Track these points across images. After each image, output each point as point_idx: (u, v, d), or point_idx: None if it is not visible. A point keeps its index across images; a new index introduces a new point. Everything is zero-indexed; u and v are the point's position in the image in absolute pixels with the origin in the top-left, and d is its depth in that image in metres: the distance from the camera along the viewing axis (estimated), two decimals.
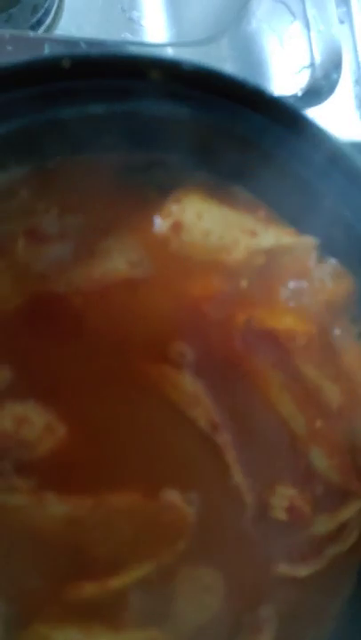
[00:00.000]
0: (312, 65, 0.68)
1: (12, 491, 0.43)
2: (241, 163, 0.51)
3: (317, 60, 0.68)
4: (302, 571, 0.48)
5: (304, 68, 0.68)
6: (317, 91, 0.70)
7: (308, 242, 0.54)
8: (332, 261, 0.55)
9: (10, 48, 0.61)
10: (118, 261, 0.50)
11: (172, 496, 0.46)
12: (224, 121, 0.49)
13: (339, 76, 0.71)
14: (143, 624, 0.43)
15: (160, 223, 0.52)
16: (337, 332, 0.53)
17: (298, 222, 0.54)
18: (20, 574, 0.42)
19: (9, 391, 0.44)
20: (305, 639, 0.49)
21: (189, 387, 0.49)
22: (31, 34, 0.68)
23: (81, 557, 0.43)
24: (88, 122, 0.48)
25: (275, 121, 0.48)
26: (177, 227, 0.52)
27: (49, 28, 0.76)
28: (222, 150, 0.51)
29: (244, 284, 0.53)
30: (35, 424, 0.44)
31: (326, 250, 0.55)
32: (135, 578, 0.43)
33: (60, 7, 0.74)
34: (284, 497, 0.48)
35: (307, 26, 0.68)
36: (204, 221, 0.52)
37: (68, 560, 0.43)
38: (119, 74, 0.47)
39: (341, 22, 0.70)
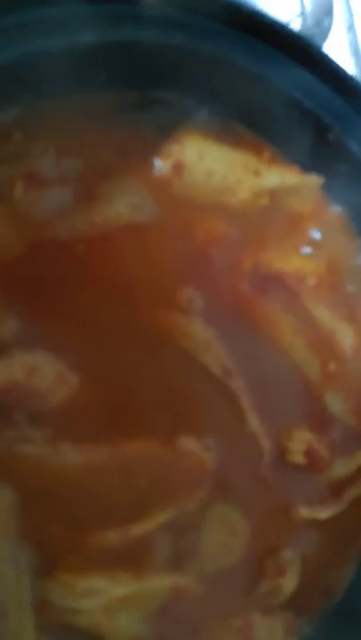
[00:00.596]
0: (303, 13, 0.75)
1: (27, 441, 0.48)
2: (243, 98, 0.55)
3: (308, 7, 0.75)
4: (322, 514, 0.55)
5: (295, 16, 0.75)
6: (310, 39, 0.77)
7: (313, 180, 0.61)
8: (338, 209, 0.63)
9: None
10: (120, 205, 0.56)
11: (189, 443, 0.50)
12: (223, 50, 0.52)
13: (331, 24, 0.78)
14: (167, 570, 0.51)
15: (161, 164, 0.55)
16: (349, 271, 0.62)
17: (303, 161, 0.58)
18: (42, 524, 0.49)
19: (17, 341, 0.50)
20: (327, 582, 0.58)
21: (200, 333, 0.53)
22: None
23: (101, 506, 0.47)
24: (80, 53, 0.50)
25: (277, 48, 0.52)
26: (178, 167, 0.57)
27: None
28: (223, 84, 0.54)
29: (249, 226, 0.56)
30: (46, 374, 0.51)
31: (331, 189, 0.63)
32: (157, 525, 0.49)
33: None
34: (302, 441, 0.53)
35: None
36: (206, 161, 0.57)
37: (89, 509, 0.48)
38: None
39: None
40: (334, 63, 0.53)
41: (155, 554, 0.46)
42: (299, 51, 0.52)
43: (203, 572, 0.47)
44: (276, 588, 0.48)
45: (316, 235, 0.58)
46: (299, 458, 0.51)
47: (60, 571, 0.44)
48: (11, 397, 0.45)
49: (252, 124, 0.57)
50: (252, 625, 0.47)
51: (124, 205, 0.52)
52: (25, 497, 0.44)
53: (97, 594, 0.44)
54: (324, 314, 0.55)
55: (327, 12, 0.73)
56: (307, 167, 0.56)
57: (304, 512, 0.51)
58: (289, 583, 0.49)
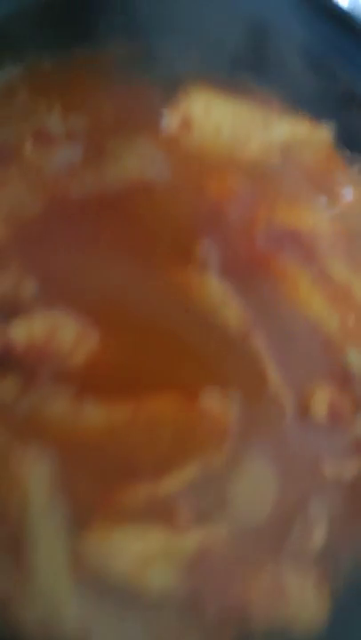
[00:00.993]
0: None
1: (52, 400, 0.53)
2: (249, 47, 0.59)
3: None
4: (348, 469, 0.62)
5: None
6: None
7: (325, 131, 0.65)
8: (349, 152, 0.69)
9: None
10: (129, 162, 0.61)
11: (212, 398, 0.55)
12: None
13: None
14: (197, 524, 0.53)
15: (168, 120, 0.60)
16: None
17: (314, 111, 0.63)
18: (73, 481, 0.55)
19: (37, 301, 0.53)
20: (355, 537, 0.65)
21: (216, 289, 0.57)
22: None
23: (128, 462, 0.51)
24: (79, 2, 0.56)
25: None
26: (186, 123, 0.61)
27: None
28: (227, 34, 0.59)
29: (262, 182, 0.60)
30: (67, 332, 0.55)
31: (343, 140, 0.69)
32: (185, 480, 0.55)
33: None
34: (324, 397, 0.57)
35: None
36: (214, 116, 0.60)
37: (117, 465, 0.51)
38: None
39: None
40: (341, 7, 0.58)
41: (184, 509, 0.51)
42: None
43: (232, 527, 0.52)
44: (304, 541, 0.53)
45: (330, 188, 0.62)
46: (322, 414, 0.56)
47: (93, 527, 0.49)
48: (34, 357, 0.50)
49: (261, 76, 0.62)
50: (283, 578, 0.52)
51: (133, 162, 0.57)
52: (55, 455, 0.50)
53: (129, 547, 0.49)
54: (340, 269, 0.60)
55: None
56: (318, 118, 0.61)
57: (330, 468, 0.55)
58: (317, 537, 0.54)
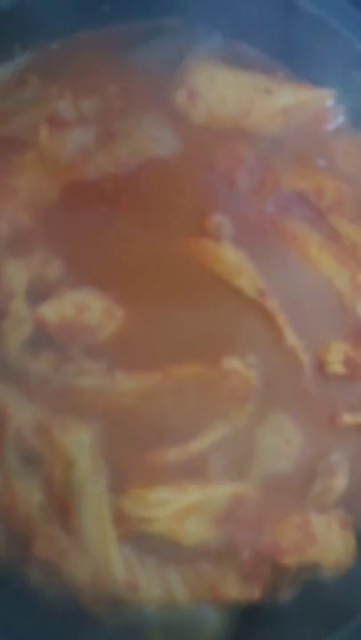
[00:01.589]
0: None
1: (85, 373, 0.55)
2: (243, 14, 0.61)
3: None
4: None
5: None
6: None
7: (326, 93, 0.65)
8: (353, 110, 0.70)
9: None
10: (141, 140, 0.62)
11: (233, 362, 0.57)
12: None
13: None
14: (227, 478, 0.57)
15: (174, 95, 0.61)
16: None
17: (313, 74, 0.64)
18: (110, 447, 0.58)
19: (64, 281, 0.55)
20: None
21: (231, 257, 0.59)
22: None
23: (159, 427, 0.54)
24: None
25: None
26: (192, 95, 0.62)
27: None
28: (225, 4, 0.60)
29: (268, 147, 0.62)
30: (94, 309, 0.58)
31: (346, 101, 0.70)
32: (213, 439, 0.58)
33: None
34: (339, 352, 0.59)
35: None
36: (218, 86, 0.61)
37: (149, 430, 0.54)
38: None
39: None
40: None
41: (214, 464, 0.55)
42: None
43: (260, 478, 0.56)
44: (328, 488, 0.57)
45: (334, 149, 0.64)
46: (338, 368, 0.58)
47: (132, 487, 0.53)
48: (65, 334, 0.54)
49: (260, 44, 0.63)
50: (310, 522, 0.56)
51: (144, 140, 0.58)
52: (93, 424, 0.54)
53: (166, 503, 0.53)
54: (347, 227, 0.62)
55: None
56: (319, 81, 0.63)
57: (348, 418, 0.58)
58: (340, 483, 0.58)
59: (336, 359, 0.59)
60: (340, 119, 0.64)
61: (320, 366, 0.59)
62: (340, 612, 0.55)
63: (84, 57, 0.58)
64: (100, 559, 0.50)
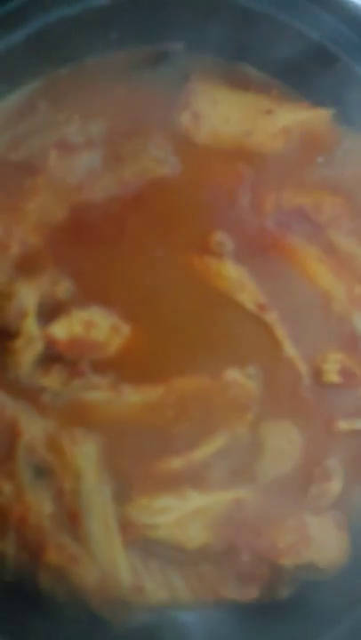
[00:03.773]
0: None
1: (93, 388, 0.55)
2: (248, 39, 0.59)
3: None
4: (360, 424, 0.67)
5: None
6: None
7: (324, 113, 0.64)
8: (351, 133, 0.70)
9: None
10: (145, 162, 0.63)
11: (234, 374, 0.57)
12: None
13: None
14: (229, 484, 0.56)
15: (179, 117, 0.60)
16: None
17: (312, 94, 0.64)
18: (116, 458, 0.58)
19: (73, 300, 0.55)
20: None
21: (232, 273, 0.58)
22: None
23: (163, 437, 0.55)
24: (93, 16, 0.56)
25: None
26: (196, 117, 0.60)
27: None
28: (227, 28, 0.58)
29: (268, 166, 0.60)
30: (101, 326, 0.58)
31: (343, 119, 0.69)
32: (215, 448, 0.58)
33: None
34: (335, 362, 0.59)
35: None
36: (221, 107, 0.60)
37: (153, 441, 0.54)
38: None
39: None
40: None
41: (215, 472, 0.55)
42: None
43: (260, 483, 0.56)
44: (324, 491, 0.57)
45: (332, 165, 0.63)
46: (334, 377, 0.58)
47: (137, 495, 0.53)
48: (75, 350, 0.54)
49: (260, 65, 0.62)
50: (306, 524, 0.56)
51: (149, 161, 0.58)
52: (100, 437, 0.54)
53: (170, 510, 0.53)
54: (343, 241, 0.61)
55: None
56: (317, 100, 0.62)
57: (344, 425, 0.58)
58: (335, 486, 0.57)
59: (332, 368, 0.59)
60: (340, 137, 0.63)
61: (317, 375, 0.58)
62: (335, 610, 0.55)
63: (92, 82, 0.58)
64: (108, 564, 0.51)
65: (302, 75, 0.61)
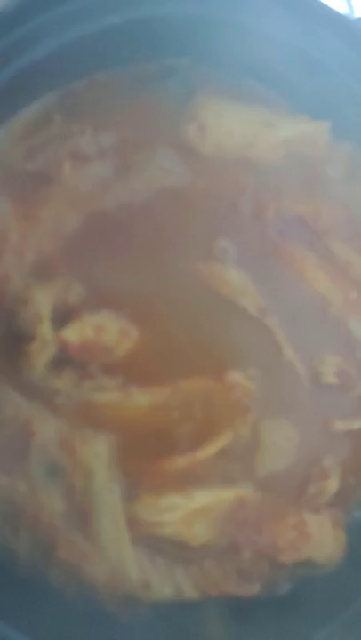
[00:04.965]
0: None
1: (103, 389, 0.55)
2: (248, 54, 0.59)
3: None
4: (356, 424, 0.64)
5: None
6: None
7: (322, 125, 0.64)
8: (348, 145, 0.69)
9: None
10: (154, 171, 0.62)
11: (236, 376, 0.57)
12: (221, 10, 0.57)
13: None
14: (231, 482, 0.57)
15: (185, 129, 0.59)
16: None
17: (311, 108, 0.63)
18: (124, 458, 0.58)
19: (84, 305, 0.55)
20: None
21: (235, 278, 0.58)
22: None
23: (169, 437, 0.54)
24: (108, 34, 0.55)
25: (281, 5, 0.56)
26: (201, 129, 0.61)
27: None
28: (232, 45, 0.58)
29: (270, 176, 0.60)
30: (111, 330, 0.57)
31: (341, 133, 0.69)
32: (218, 448, 0.58)
33: None
34: (332, 364, 0.59)
35: None
36: (226, 120, 0.59)
37: (159, 441, 0.54)
38: None
39: None
40: (332, 9, 0.58)
41: (218, 470, 0.55)
42: (299, 4, 0.57)
43: (260, 482, 0.56)
44: (321, 489, 0.57)
45: (329, 176, 0.63)
46: (331, 379, 0.58)
47: (145, 494, 0.53)
48: (85, 354, 0.53)
49: (263, 80, 0.61)
50: (305, 522, 0.56)
51: (157, 171, 0.57)
52: (109, 437, 0.53)
53: (176, 509, 0.53)
54: (341, 248, 0.61)
55: None
56: (316, 113, 0.61)
57: (340, 424, 0.58)
58: (332, 485, 0.57)
59: (330, 371, 0.58)
60: (337, 149, 0.62)
61: (315, 377, 0.58)
62: (333, 604, 0.55)
63: (104, 96, 0.58)
64: (117, 561, 0.51)
65: (302, 90, 0.61)
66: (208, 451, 0.54)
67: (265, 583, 0.55)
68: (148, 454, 0.54)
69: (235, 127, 0.59)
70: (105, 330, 0.52)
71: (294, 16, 0.57)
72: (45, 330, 0.52)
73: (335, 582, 0.56)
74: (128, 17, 0.54)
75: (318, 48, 0.58)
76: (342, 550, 0.56)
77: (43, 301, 0.53)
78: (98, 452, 0.50)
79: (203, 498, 0.54)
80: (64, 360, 0.53)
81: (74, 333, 0.51)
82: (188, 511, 0.53)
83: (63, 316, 0.53)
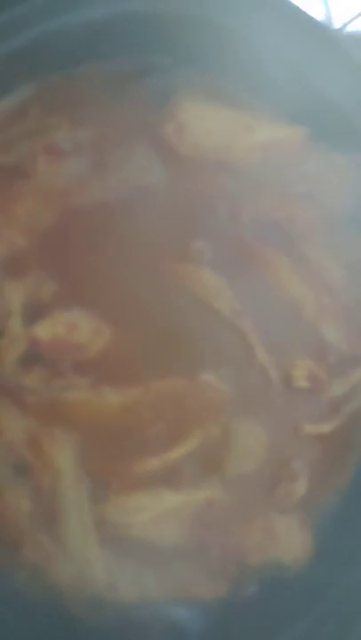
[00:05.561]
0: None
1: (73, 388, 0.53)
2: (231, 57, 0.58)
3: None
4: (325, 427, 0.63)
5: None
6: None
7: (300, 131, 0.63)
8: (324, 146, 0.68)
9: None
10: (131, 169, 0.61)
11: (209, 377, 0.56)
12: (206, 11, 0.56)
13: None
14: (200, 483, 0.55)
15: (164, 128, 0.57)
16: (336, 213, 0.67)
17: (291, 113, 0.62)
18: (93, 458, 0.56)
19: (56, 302, 0.53)
20: (331, 484, 0.67)
21: (210, 280, 0.57)
22: None
23: (139, 437, 0.53)
24: (88, 28, 0.54)
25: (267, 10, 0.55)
26: (180, 129, 0.59)
27: None
28: (210, 44, 0.57)
29: (246, 180, 0.60)
30: (83, 328, 0.55)
31: (318, 138, 0.67)
32: (189, 449, 0.57)
33: None
34: (304, 368, 0.58)
35: None
36: (204, 121, 0.58)
37: (129, 441, 0.52)
38: None
39: None
40: (309, 16, 0.58)
41: (188, 472, 0.53)
42: (282, 10, 0.57)
43: (229, 483, 0.55)
44: (290, 492, 0.55)
45: (305, 181, 0.61)
46: (302, 382, 0.57)
47: (113, 494, 0.51)
48: (56, 351, 0.51)
49: (243, 83, 0.60)
50: (273, 523, 0.55)
51: (135, 169, 0.56)
52: (78, 436, 0.51)
53: (145, 509, 0.51)
54: (314, 253, 0.60)
55: None
56: (295, 119, 0.60)
57: (309, 428, 0.57)
58: (300, 487, 0.56)
59: (301, 374, 0.57)
60: (313, 155, 0.61)
61: (286, 380, 0.57)
62: (299, 604, 0.55)
63: (82, 90, 0.55)
64: (83, 562, 0.49)
65: (282, 94, 0.59)
66: (179, 451, 0.53)
67: (232, 584, 0.53)
68: (117, 454, 0.52)
69: (213, 129, 0.58)
70: (77, 328, 0.50)
71: (280, 24, 0.57)
72: (15, 326, 0.50)
73: (301, 583, 0.55)
74: (113, 11, 0.53)
75: (300, 56, 0.58)
76: (308, 551, 0.56)
77: (13, 297, 0.51)
78: (66, 451, 0.48)
79: (173, 499, 0.53)
80: (34, 357, 0.51)
81: (45, 330, 0.49)
82: (158, 512, 0.52)
83: (35, 313, 0.51)
